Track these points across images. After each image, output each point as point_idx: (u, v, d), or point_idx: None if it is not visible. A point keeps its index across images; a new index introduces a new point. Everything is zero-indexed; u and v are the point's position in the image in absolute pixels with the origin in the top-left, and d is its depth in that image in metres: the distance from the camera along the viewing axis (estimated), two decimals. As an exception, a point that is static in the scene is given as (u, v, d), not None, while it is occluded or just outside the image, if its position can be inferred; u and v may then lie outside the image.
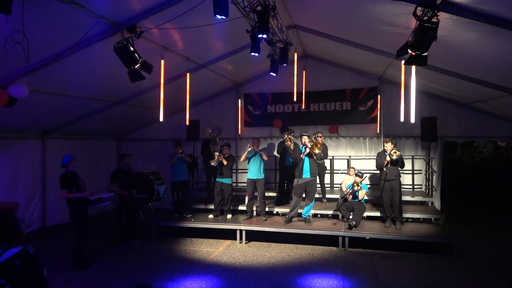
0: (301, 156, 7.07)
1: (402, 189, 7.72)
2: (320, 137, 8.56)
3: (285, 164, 8.41)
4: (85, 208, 6.00)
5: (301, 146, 7.19)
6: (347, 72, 9.85)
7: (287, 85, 8.96)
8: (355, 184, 7.15)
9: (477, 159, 28.47)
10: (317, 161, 8.35)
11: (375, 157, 7.47)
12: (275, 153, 9.44)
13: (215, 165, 7.68)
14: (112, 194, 6.40)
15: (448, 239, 6.44)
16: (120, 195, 6.91)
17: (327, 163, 9.19)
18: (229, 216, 7.90)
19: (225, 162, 7.66)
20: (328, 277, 5.46)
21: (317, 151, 6.99)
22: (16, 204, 6.04)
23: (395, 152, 6.81)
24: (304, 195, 7.33)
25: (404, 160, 7.40)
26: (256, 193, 7.71)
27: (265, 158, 7.59)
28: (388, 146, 6.97)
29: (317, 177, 8.57)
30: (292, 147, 7.33)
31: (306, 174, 7.12)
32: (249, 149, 7.51)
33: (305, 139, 7.10)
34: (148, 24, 5.21)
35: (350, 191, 7.26)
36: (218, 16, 4.11)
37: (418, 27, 4.13)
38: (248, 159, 7.65)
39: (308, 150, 7.01)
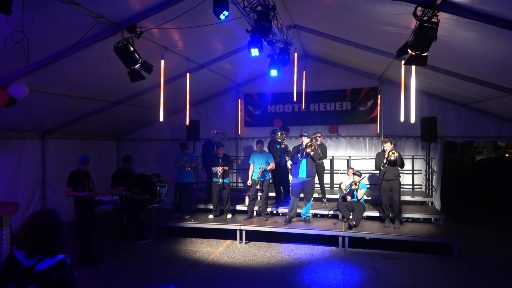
0: (298, 155, 7.07)
1: (402, 189, 7.73)
2: (319, 137, 8.57)
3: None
4: (89, 208, 6.05)
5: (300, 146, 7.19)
6: (347, 72, 9.84)
7: (287, 85, 8.95)
8: (353, 184, 7.15)
9: (477, 159, 28.48)
10: (316, 161, 8.36)
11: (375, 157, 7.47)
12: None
13: (220, 178, 7.69)
14: (113, 198, 6.40)
15: (448, 239, 6.44)
16: (122, 197, 6.96)
17: (326, 163, 9.19)
18: (229, 216, 7.90)
19: (227, 168, 7.71)
20: (328, 277, 5.47)
21: (308, 150, 6.98)
22: (16, 204, 6.03)
23: (393, 153, 6.82)
24: (302, 195, 7.32)
25: (404, 160, 7.40)
26: (259, 194, 7.70)
27: (271, 166, 7.62)
28: (387, 146, 6.98)
29: (316, 177, 8.63)
30: (284, 144, 7.35)
31: (302, 174, 7.11)
32: (262, 170, 7.46)
33: (304, 139, 7.10)
34: (148, 24, 5.21)
35: (349, 190, 7.27)
36: (218, 16, 4.11)
37: (418, 27, 4.13)
38: (253, 160, 7.66)
39: (308, 150, 6.99)
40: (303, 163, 7.11)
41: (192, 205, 8.69)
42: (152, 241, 7.43)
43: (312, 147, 6.98)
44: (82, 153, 9.45)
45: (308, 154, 7.01)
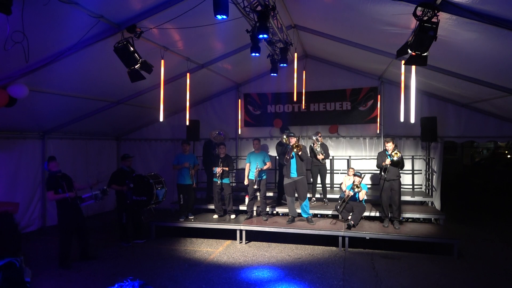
0: (286, 156, 7.07)
1: (402, 189, 7.72)
2: (320, 136, 8.57)
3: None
4: (70, 209, 5.86)
5: (288, 146, 7.17)
6: (347, 72, 9.85)
7: (287, 85, 8.96)
8: (354, 186, 7.13)
9: (477, 159, 28.41)
10: (320, 161, 8.39)
11: (376, 157, 7.47)
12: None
13: (219, 179, 7.67)
14: (93, 193, 6.20)
15: (448, 239, 6.44)
16: (119, 196, 6.95)
17: (327, 163, 9.18)
18: (232, 216, 7.88)
19: (226, 169, 7.69)
20: (328, 277, 5.46)
21: (295, 150, 6.98)
22: (16, 204, 6.04)
23: (396, 154, 6.80)
24: (296, 195, 7.32)
25: (404, 160, 7.40)
26: (257, 193, 7.70)
27: (268, 165, 7.61)
28: (389, 146, 6.97)
29: (319, 176, 8.63)
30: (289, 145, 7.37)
31: (293, 174, 7.14)
32: (258, 170, 7.47)
33: (292, 140, 7.09)
34: (148, 24, 5.21)
35: (352, 192, 7.22)
36: (218, 17, 4.11)
37: (418, 27, 4.13)
38: (250, 160, 7.65)
39: (295, 150, 7.00)
40: (293, 163, 7.14)
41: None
42: (152, 241, 7.42)
43: (299, 148, 6.99)
44: (82, 153, 9.47)
45: (295, 154, 7.01)
